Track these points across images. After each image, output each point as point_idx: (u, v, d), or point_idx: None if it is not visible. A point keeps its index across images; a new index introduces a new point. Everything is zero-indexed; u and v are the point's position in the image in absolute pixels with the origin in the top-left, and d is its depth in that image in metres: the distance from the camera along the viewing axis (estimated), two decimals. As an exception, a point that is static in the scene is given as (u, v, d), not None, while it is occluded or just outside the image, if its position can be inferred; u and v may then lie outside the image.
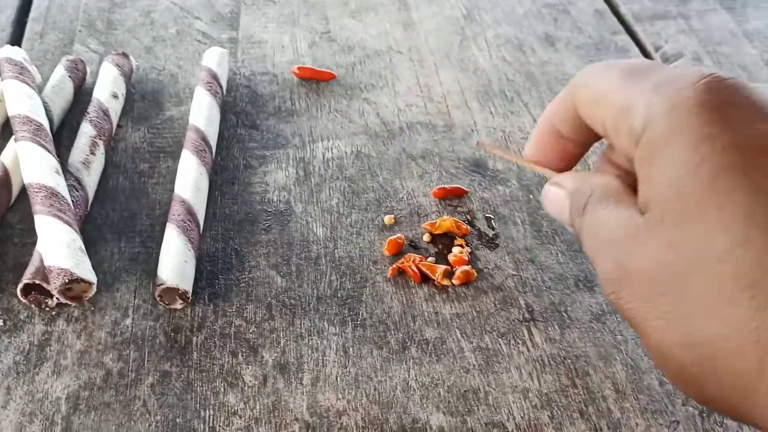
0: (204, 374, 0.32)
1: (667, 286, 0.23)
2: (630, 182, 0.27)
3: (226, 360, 0.33)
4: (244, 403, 0.31)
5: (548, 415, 0.31)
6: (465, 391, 0.32)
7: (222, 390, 0.32)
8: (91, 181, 0.39)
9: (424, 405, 0.31)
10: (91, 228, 0.38)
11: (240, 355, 0.33)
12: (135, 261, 0.37)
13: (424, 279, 0.36)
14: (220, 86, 0.45)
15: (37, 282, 0.33)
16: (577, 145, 0.30)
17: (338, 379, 0.32)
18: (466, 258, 0.37)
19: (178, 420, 0.30)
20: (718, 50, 0.53)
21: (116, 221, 0.39)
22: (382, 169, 0.42)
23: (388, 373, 0.33)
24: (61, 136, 0.43)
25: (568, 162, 0.31)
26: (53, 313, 0.34)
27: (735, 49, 0.53)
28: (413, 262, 0.36)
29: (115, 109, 0.43)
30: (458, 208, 0.40)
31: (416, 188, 0.41)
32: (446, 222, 0.39)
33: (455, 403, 0.32)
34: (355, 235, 0.38)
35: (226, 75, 0.47)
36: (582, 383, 0.33)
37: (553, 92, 0.48)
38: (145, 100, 0.46)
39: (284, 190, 0.41)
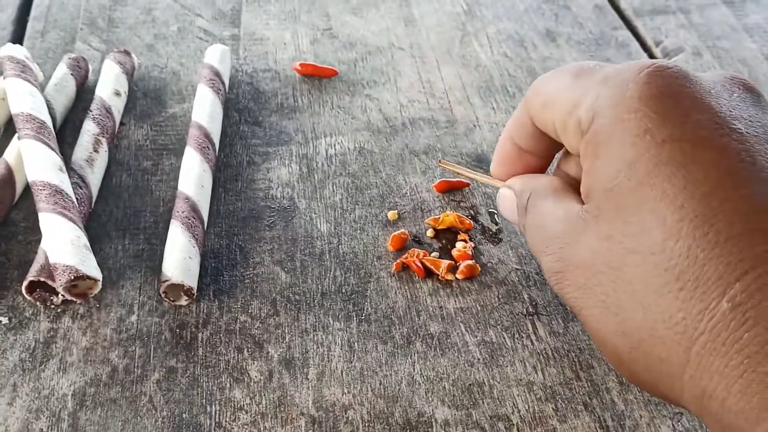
0: (210, 370, 0.32)
1: (602, 277, 0.24)
2: (575, 185, 0.28)
3: (232, 356, 0.33)
4: (250, 399, 0.31)
5: (553, 408, 0.31)
6: (470, 384, 0.32)
7: (228, 385, 0.32)
8: (94, 178, 0.39)
9: (430, 399, 0.32)
10: (96, 225, 0.38)
11: (245, 350, 0.33)
12: (139, 258, 0.37)
13: (428, 274, 0.36)
14: (223, 83, 0.45)
15: (43, 279, 0.33)
16: (539, 157, 0.31)
17: (344, 373, 0.32)
18: (470, 253, 0.37)
19: (184, 415, 0.31)
20: (718, 45, 0.53)
21: (120, 218, 0.39)
22: (385, 165, 0.42)
23: (393, 368, 0.33)
24: (64, 134, 0.43)
25: None
26: (58, 310, 0.34)
27: (735, 44, 0.54)
28: (417, 257, 0.37)
29: (117, 106, 0.44)
30: (461, 203, 0.40)
31: (419, 184, 0.41)
32: (449, 217, 0.39)
33: (460, 396, 0.32)
34: (359, 231, 0.39)
35: (228, 72, 0.47)
36: (586, 376, 0.33)
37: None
38: (147, 98, 0.46)
39: (288, 187, 0.41)
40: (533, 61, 0.51)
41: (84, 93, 0.46)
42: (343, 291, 0.36)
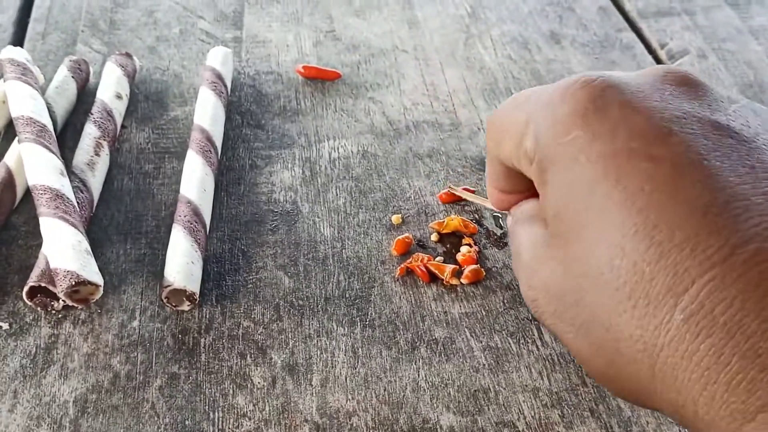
0: (212, 376, 0.32)
1: (567, 302, 0.24)
2: None
3: (235, 362, 0.32)
4: (254, 405, 0.31)
5: (559, 414, 0.31)
6: (475, 390, 0.32)
7: (231, 392, 0.31)
8: (96, 182, 0.39)
9: (435, 405, 0.31)
10: (97, 230, 0.38)
11: (248, 356, 0.33)
12: (141, 263, 0.36)
13: (433, 279, 0.36)
14: (225, 86, 0.45)
15: (43, 284, 0.33)
16: (528, 194, 0.30)
17: (347, 379, 0.32)
18: (475, 257, 0.37)
19: (187, 422, 0.30)
20: (723, 47, 0.53)
21: (122, 223, 0.38)
22: (388, 169, 0.42)
23: (398, 374, 0.32)
24: (65, 138, 0.42)
25: None
26: (59, 315, 0.34)
27: (740, 46, 0.53)
28: (421, 261, 0.36)
29: (119, 109, 0.43)
30: (466, 207, 0.40)
31: (423, 187, 0.41)
32: (454, 221, 0.38)
33: (465, 402, 0.31)
34: (362, 235, 0.38)
35: (230, 75, 0.46)
36: (592, 382, 0.32)
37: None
38: (149, 101, 0.46)
39: (291, 190, 0.40)
40: (537, 64, 0.51)
41: (85, 96, 0.45)
42: (347, 296, 0.35)
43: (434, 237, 0.38)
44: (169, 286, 0.33)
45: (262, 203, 0.40)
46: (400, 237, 0.38)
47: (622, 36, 0.54)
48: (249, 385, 0.32)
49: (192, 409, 0.31)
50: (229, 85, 0.46)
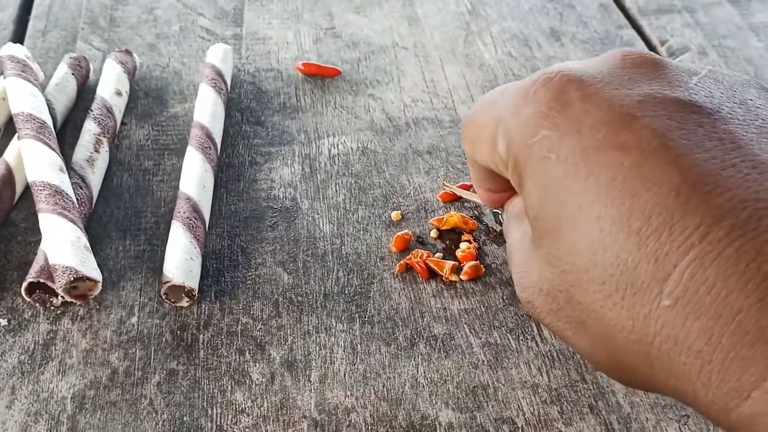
0: (211, 372, 0.32)
1: (559, 300, 0.24)
2: None
3: (233, 358, 0.32)
4: (252, 401, 0.31)
5: (558, 411, 0.31)
6: (474, 387, 0.32)
7: (229, 388, 0.31)
8: (95, 178, 0.39)
9: (433, 401, 0.31)
10: (96, 226, 0.38)
11: (247, 352, 0.33)
12: (140, 259, 0.36)
13: (432, 275, 0.36)
14: (225, 83, 0.45)
15: (42, 280, 0.33)
16: (513, 192, 0.30)
17: (346, 376, 0.32)
18: (474, 253, 0.37)
19: (185, 418, 0.30)
20: (723, 44, 0.53)
21: (121, 219, 0.38)
22: (388, 165, 0.42)
23: (397, 370, 0.32)
24: (64, 134, 0.42)
25: None
26: (58, 311, 0.34)
27: (740, 43, 0.53)
28: (421, 258, 0.36)
29: (119, 106, 0.43)
30: (465, 204, 0.40)
31: (423, 184, 0.41)
32: (453, 218, 0.38)
33: (464, 399, 0.31)
34: (362, 232, 0.38)
35: (230, 72, 0.46)
36: (591, 378, 0.32)
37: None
38: (149, 98, 0.46)
39: (290, 187, 0.40)
40: (537, 61, 0.50)
41: (85, 93, 0.45)
42: (346, 292, 0.35)
43: (433, 233, 0.38)
44: (167, 282, 0.33)
45: (262, 200, 0.40)
46: (399, 233, 0.38)
47: (622, 33, 0.54)
48: (247, 382, 0.32)
49: (190, 405, 0.31)
50: (228, 82, 0.46)
